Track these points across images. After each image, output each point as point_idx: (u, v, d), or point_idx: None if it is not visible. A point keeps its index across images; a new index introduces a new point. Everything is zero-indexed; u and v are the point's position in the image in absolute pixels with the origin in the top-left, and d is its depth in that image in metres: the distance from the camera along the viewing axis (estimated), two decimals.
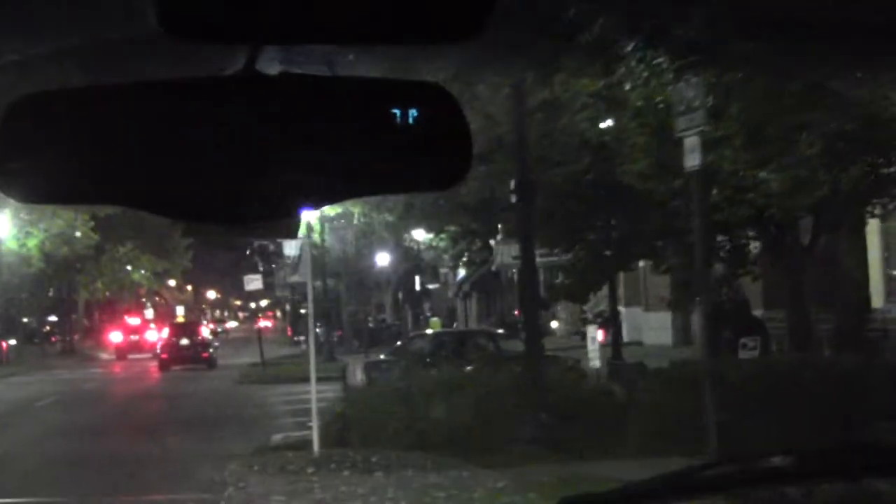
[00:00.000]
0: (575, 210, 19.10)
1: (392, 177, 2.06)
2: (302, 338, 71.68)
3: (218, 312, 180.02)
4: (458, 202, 56.72)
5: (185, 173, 1.93)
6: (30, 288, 66.07)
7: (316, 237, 57.39)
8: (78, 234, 58.28)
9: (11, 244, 56.62)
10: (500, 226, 58.20)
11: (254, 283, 45.61)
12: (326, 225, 50.64)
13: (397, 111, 1.98)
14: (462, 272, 77.60)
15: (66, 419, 28.02)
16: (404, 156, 2.01)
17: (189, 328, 56.86)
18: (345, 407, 17.07)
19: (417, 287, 71.03)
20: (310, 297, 16.41)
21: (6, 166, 1.92)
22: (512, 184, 17.18)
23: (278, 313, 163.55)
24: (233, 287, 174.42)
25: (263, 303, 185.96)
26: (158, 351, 53.56)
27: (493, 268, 62.02)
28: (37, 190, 2.00)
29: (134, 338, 69.46)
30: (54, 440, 23.01)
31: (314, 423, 15.26)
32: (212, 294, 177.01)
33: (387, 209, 56.28)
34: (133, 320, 76.20)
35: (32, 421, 27.87)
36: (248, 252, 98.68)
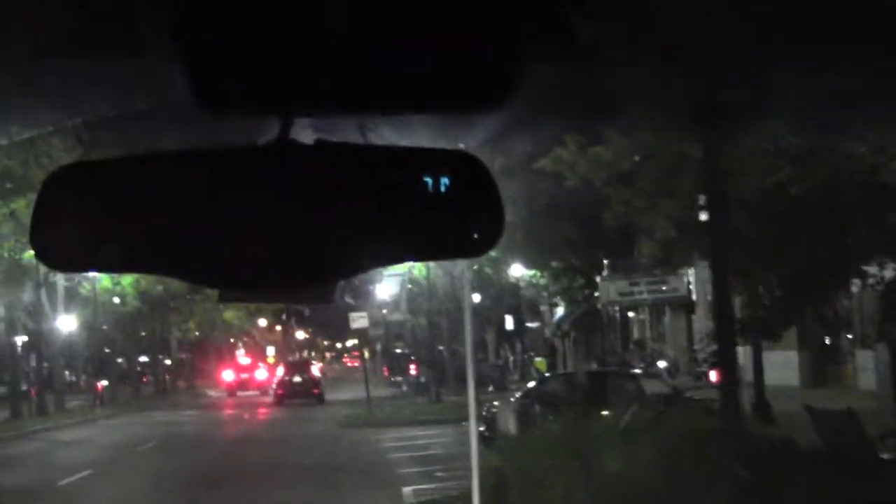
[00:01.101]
0: (775, 227, 16.82)
1: (424, 244, 2.04)
2: (399, 378, 70.21)
3: (305, 353, 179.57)
4: (562, 237, 54.94)
5: (219, 241, 1.91)
6: (124, 327, 64.80)
7: (417, 273, 55.69)
8: None
9: (106, 283, 55.27)
10: (605, 262, 56.35)
11: (359, 321, 43.80)
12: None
13: (429, 179, 1.96)
14: (560, 310, 75.48)
15: (168, 466, 26.12)
16: (436, 224, 1.99)
17: (301, 367, 61.97)
18: (499, 459, 14.84)
19: (511, 326, 68.93)
20: (468, 337, 14.19)
21: (45, 235, 1.93)
22: (701, 198, 15.07)
23: (366, 353, 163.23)
24: (319, 327, 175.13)
25: (349, 343, 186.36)
26: (274, 387, 58.39)
27: (599, 305, 59.81)
28: (74, 259, 1.98)
29: (244, 376, 74.34)
30: (160, 493, 21.10)
31: (474, 482, 13.08)
32: (300, 334, 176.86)
33: None
34: (244, 360, 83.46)
35: (134, 469, 26.00)
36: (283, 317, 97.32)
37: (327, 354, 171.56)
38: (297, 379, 57.23)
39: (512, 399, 25.29)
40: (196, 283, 2.02)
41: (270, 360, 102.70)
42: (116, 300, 57.71)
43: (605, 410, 22.26)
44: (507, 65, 1.91)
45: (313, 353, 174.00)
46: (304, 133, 1.99)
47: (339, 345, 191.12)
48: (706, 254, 21.73)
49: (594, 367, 45.46)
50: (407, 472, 22.83)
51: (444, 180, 1.99)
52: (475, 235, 2.05)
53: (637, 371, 33.76)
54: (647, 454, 13.54)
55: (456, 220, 2.02)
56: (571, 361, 74.59)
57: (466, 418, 35.78)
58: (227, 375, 75.47)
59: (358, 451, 28.30)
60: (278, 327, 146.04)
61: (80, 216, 1.96)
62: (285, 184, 1.94)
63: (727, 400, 14.50)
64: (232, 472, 24.22)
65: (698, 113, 14.68)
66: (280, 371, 61.40)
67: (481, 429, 24.97)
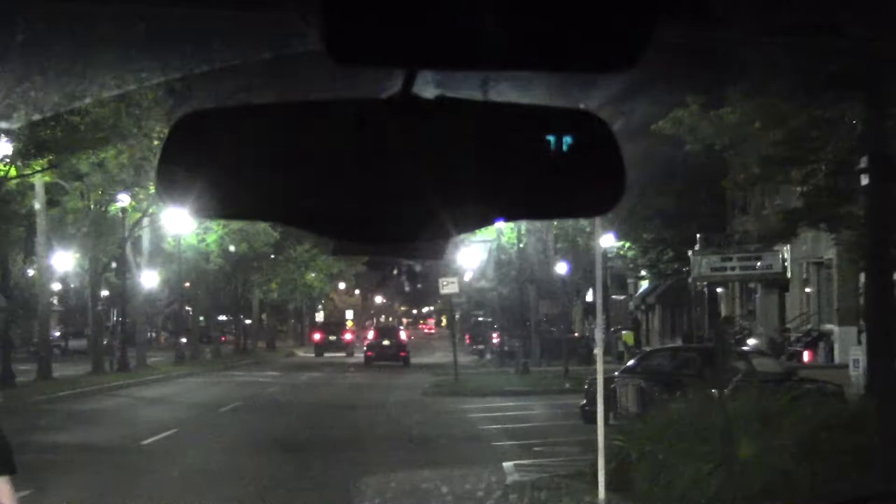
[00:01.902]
0: None
1: (543, 203, 2.05)
2: (481, 346, 69.33)
3: (383, 318, 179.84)
4: (656, 208, 53.65)
5: (337, 193, 1.96)
6: (206, 286, 64.38)
7: (505, 240, 54.61)
8: (259, 229, 56.20)
9: (191, 239, 54.75)
10: (698, 236, 54.95)
11: (450, 286, 42.83)
12: (524, 226, 47.47)
13: (552, 138, 1.99)
14: (644, 284, 74.05)
15: (253, 429, 25.30)
16: (557, 182, 2.01)
17: (390, 332, 66.85)
18: (624, 439, 13.68)
19: (590, 298, 67.53)
20: (599, 306, 13.07)
21: (170, 181, 1.97)
22: (862, 161, 13.81)
23: (443, 320, 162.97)
24: (397, 292, 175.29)
25: (425, 310, 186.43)
26: (365, 349, 62.37)
27: (690, 279, 58.48)
28: (195, 204, 2.00)
29: (332, 338, 76.34)
30: (246, 457, 20.20)
31: (600, 462, 11.94)
32: (378, 299, 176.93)
33: None
34: (333, 323, 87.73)
35: (218, 430, 25.19)
36: (394, 272, 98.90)
37: (404, 321, 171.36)
38: (385, 342, 61.27)
39: (616, 374, 24.10)
40: (314, 233, 2.01)
41: (349, 323, 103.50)
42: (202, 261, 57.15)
43: (714, 388, 21.18)
44: (641, 25, 1.90)
45: (390, 319, 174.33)
46: (427, 89, 1.97)
47: (414, 311, 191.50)
48: (835, 224, 20.54)
49: (700, 342, 44.00)
50: (502, 445, 21.77)
51: (567, 139, 1.98)
52: (596, 195, 2.03)
53: (747, 348, 32.40)
54: (786, 439, 12.39)
55: (578, 179, 2.00)
56: (656, 336, 73.37)
57: (557, 391, 34.96)
58: (317, 336, 78.74)
59: (448, 420, 27.28)
60: (357, 291, 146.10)
61: (204, 162, 1.97)
62: (406, 137, 1.94)
63: (882, 381, 13.25)
64: (319, 438, 23.29)
65: (851, 75, 13.49)
66: (371, 335, 65.60)
67: (582, 403, 23.99)
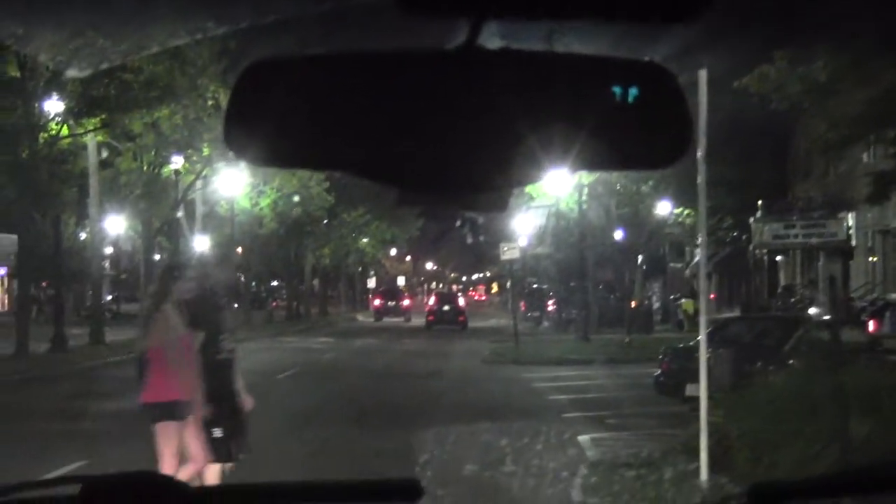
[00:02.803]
0: None
1: (606, 154, 2.02)
2: (537, 313, 68.36)
3: (434, 283, 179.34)
4: (717, 174, 52.40)
5: (402, 143, 1.95)
6: (259, 250, 63.67)
7: (564, 206, 53.44)
8: (313, 193, 55.37)
9: (245, 203, 53.97)
10: (759, 202, 53.64)
11: (511, 251, 41.93)
12: (584, 189, 46.36)
13: (617, 89, 1.99)
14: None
15: (313, 397, 24.45)
16: (621, 134, 1.99)
17: (450, 297, 72.57)
18: (722, 415, 12.63)
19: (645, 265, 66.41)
20: (702, 271, 12.03)
21: (237, 128, 1.99)
22: None
23: (493, 287, 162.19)
24: (449, 257, 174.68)
25: (475, 276, 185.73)
26: (427, 314, 66.50)
27: (751, 247, 57.24)
28: (262, 152, 2.02)
29: (391, 303, 79.19)
30: (308, 427, 19.32)
31: (703, 440, 10.89)
32: (429, 265, 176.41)
33: (641, 178, 52.05)
34: (392, 289, 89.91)
35: (277, 398, 24.35)
36: (457, 224, 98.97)
37: (454, 287, 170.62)
38: (445, 308, 65.86)
39: (691, 344, 23.02)
40: (379, 182, 1.94)
41: (398, 289, 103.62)
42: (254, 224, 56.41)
43: (795, 359, 20.08)
44: None
45: (440, 285, 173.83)
46: (491, 41, 1.96)
47: (464, 278, 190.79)
48: None
49: (776, 311, 42.73)
50: (573, 416, 20.80)
51: (633, 91, 1.97)
52: (661, 148, 2.00)
53: (829, 317, 31.11)
54: None
55: (642, 131, 1.98)
56: (713, 305, 72.14)
57: (621, 360, 33.92)
58: (377, 302, 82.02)
59: (513, 390, 26.32)
60: (408, 258, 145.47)
61: (270, 110, 1.96)
62: (471, 88, 1.94)
63: None
64: (384, 407, 22.39)
65: None
66: (432, 301, 70.33)
67: (655, 373, 22.93)
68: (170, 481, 2.06)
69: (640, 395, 23.47)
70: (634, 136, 1.99)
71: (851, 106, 18.40)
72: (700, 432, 10.98)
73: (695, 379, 21.23)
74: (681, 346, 24.07)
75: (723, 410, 12.35)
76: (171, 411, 9.77)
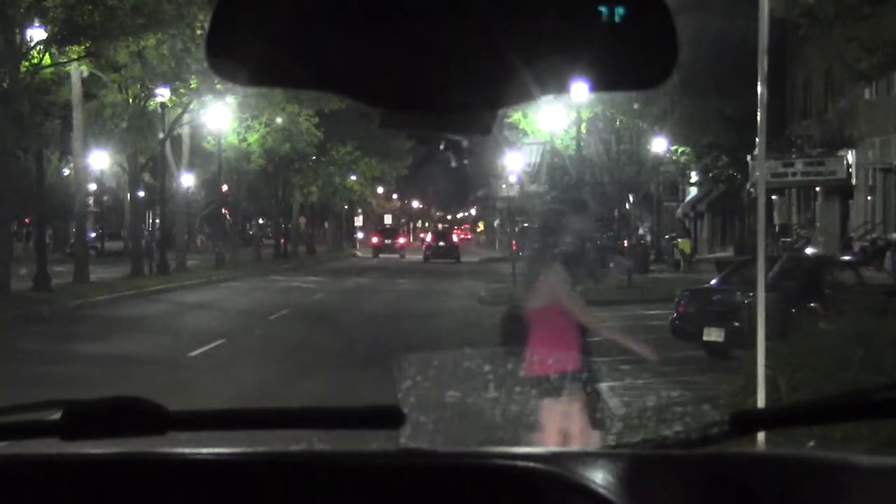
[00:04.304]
0: None
1: (592, 75, 1.98)
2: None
3: (420, 223, 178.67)
4: (715, 110, 51.27)
5: (385, 60, 1.92)
6: (247, 187, 62.38)
7: (559, 143, 52.26)
8: (302, 128, 54.05)
9: (232, 139, 52.62)
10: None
11: (509, 190, 40.94)
12: (583, 127, 45.14)
13: (604, 8, 1.95)
14: (693, 191, 71.79)
15: (307, 340, 23.33)
16: (608, 54, 1.96)
17: (445, 234, 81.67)
18: (773, 365, 11.52)
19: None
20: (761, 209, 10.89)
21: (219, 45, 1.95)
22: None
23: (479, 226, 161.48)
24: (435, 198, 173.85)
25: (460, 215, 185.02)
26: (424, 249, 76.39)
27: (749, 186, 56.30)
28: (245, 71, 1.97)
29: (387, 241, 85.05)
30: (303, 372, 18.18)
31: (761, 394, 9.78)
32: (416, 203, 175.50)
33: (638, 114, 50.88)
34: (389, 229, 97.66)
35: (269, 341, 23.28)
36: (440, 147, 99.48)
37: (440, 225, 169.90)
38: (441, 244, 75.36)
39: (707, 286, 21.99)
40: (362, 101, 1.91)
41: (386, 226, 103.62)
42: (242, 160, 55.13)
43: (818, 302, 19.06)
44: None
45: (426, 224, 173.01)
46: None
47: (448, 216, 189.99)
48: None
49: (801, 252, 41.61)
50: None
51: (620, 10, 1.93)
52: (648, 68, 1.97)
53: (850, 258, 30.16)
54: None
55: (630, 50, 1.94)
56: (705, 245, 71.28)
57: (621, 300, 32.87)
58: (374, 240, 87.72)
59: None
60: (395, 196, 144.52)
61: (252, 27, 1.92)
62: (456, 6, 1.90)
63: None
64: (380, 348, 21.08)
65: None
66: (429, 238, 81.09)
67: (672, 316, 21.84)
68: (153, 405, 1.96)
69: (651, 338, 22.40)
70: (621, 56, 1.95)
71: (890, 30, 17.26)
72: (757, 388, 9.84)
73: (713, 322, 20.31)
74: (697, 287, 23.00)
75: (772, 360, 11.24)
76: (559, 386, 8.18)
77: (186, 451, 2.10)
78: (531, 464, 1.99)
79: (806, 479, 2.04)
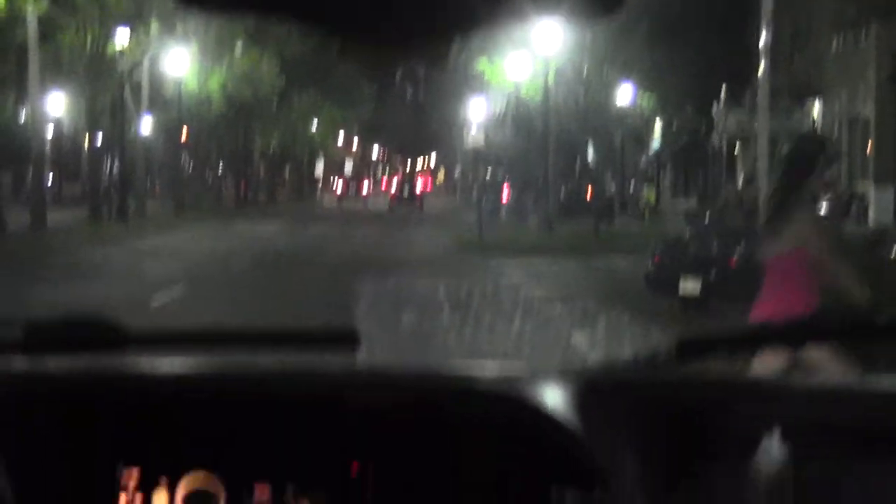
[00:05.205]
0: None
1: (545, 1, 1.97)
2: (493, 202, 66.79)
3: (380, 170, 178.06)
4: (683, 57, 50.90)
5: None
6: (208, 133, 61.62)
7: (524, 92, 51.70)
8: (263, 74, 53.36)
9: (191, 84, 51.78)
10: (724, 87, 52.28)
11: (476, 138, 40.35)
12: (551, 76, 44.61)
13: None
14: (657, 141, 71.51)
15: (272, 287, 22.76)
16: None
17: (409, 182, 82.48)
18: None
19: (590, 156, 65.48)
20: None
21: None
22: None
23: (440, 175, 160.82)
24: (396, 145, 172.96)
25: (419, 161, 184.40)
26: (389, 197, 77.39)
27: (715, 136, 56.15)
28: None
29: (351, 189, 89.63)
30: (271, 317, 17.58)
31: None
32: (375, 150, 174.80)
33: (598, 59, 50.33)
34: (352, 174, 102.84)
35: (233, 288, 22.79)
36: (396, 78, 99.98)
37: (401, 173, 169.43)
38: (405, 192, 77.05)
39: (682, 236, 21.59)
40: (318, 31, 1.88)
41: (347, 174, 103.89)
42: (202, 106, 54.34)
43: None
44: None
45: (388, 170, 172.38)
46: None
47: (409, 160, 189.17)
48: None
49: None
50: (558, 314, 19.21)
51: None
52: None
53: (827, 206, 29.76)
54: None
55: None
56: (668, 195, 71.10)
57: (592, 250, 32.53)
58: (339, 187, 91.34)
59: (484, 283, 24.53)
60: (355, 142, 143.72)
61: None
62: None
63: None
64: (343, 299, 20.53)
65: None
66: (394, 185, 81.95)
67: (647, 267, 21.39)
68: (112, 322, 1.96)
69: (624, 289, 22.03)
70: None
71: None
72: None
73: (689, 273, 19.88)
74: (673, 238, 22.58)
75: None
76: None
77: (147, 366, 2.10)
78: (483, 382, 2.01)
79: (745, 400, 2.08)
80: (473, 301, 20.14)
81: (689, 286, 19.18)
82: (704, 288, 18.81)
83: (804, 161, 7.63)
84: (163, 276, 23.65)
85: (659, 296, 19.89)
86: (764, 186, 10.50)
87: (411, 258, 30.62)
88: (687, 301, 19.24)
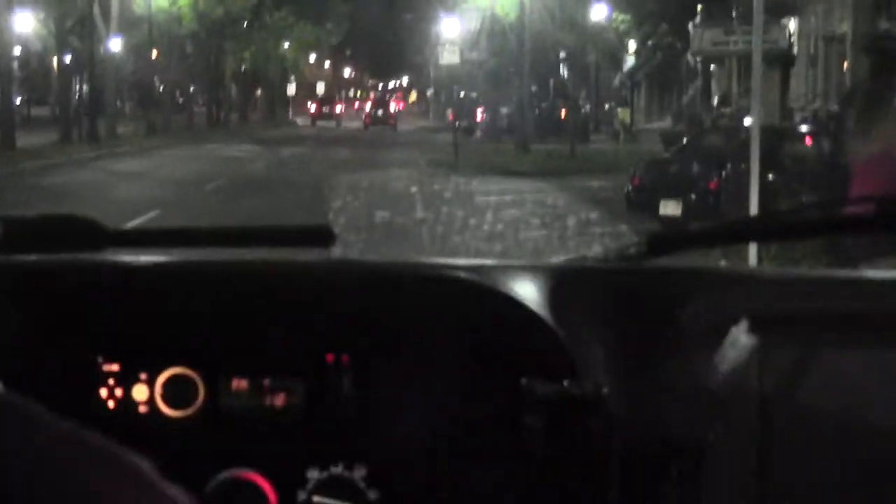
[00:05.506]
0: None
1: None
2: (464, 123, 66.21)
3: (352, 91, 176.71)
4: None
5: None
6: (178, 53, 60.72)
7: (499, 10, 51.15)
8: None
9: (161, 1, 50.96)
10: (699, 6, 51.77)
11: (450, 55, 39.76)
12: None
13: None
14: (631, 60, 70.98)
15: (247, 210, 22.27)
16: None
17: (383, 102, 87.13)
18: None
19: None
20: (756, 67, 10.12)
21: None
22: None
23: (412, 96, 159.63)
24: (367, 66, 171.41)
25: (392, 83, 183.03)
26: (363, 117, 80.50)
27: (689, 55, 55.56)
28: None
29: (325, 109, 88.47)
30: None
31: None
32: (347, 72, 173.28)
33: None
34: (327, 97, 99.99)
35: (206, 212, 22.41)
36: None
37: (373, 94, 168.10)
38: (380, 111, 79.71)
39: (662, 157, 21.31)
40: None
41: (320, 95, 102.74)
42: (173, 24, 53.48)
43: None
44: None
45: (359, 92, 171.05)
46: None
47: (381, 84, 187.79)
48: None
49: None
50: (534, 236, 18.94)
51: None
52: None
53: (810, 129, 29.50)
54: None
55: None
56: (642, 114, 70.73)
57: (569, 171, 32.24)
58: (313, 108, 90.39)
59: (461, 206, 24.18)
60: (327, 64, 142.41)
61: None
62: None
63: None
64: (334, 217, 20.23)
65: None
66: (368, 106, 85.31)
67: (627, 188, 21.20)
68: (91, 221, 1.93)
69: (603, 210, 21.84)
70: None
71: None
72: None
73: (670, 195, 19.68)
74: (653, 159, 22.34)
75: None
76: None
77: (125, 262, 2.10)
78: (455, 272, 2.02)
79: (713, 289, 2.08)
80: (453, 222, 19.93)
81: (670, 208, 18.98)
82: (685, 210, 18.62)
83: (891, 59, 7.30)
84: (139, 201, 23.26)
85: (640, 217, 19.72)
86: (757, 106, 10.21)
87: (388, 181, 30.25)
88: (667, 221, 19.06)
